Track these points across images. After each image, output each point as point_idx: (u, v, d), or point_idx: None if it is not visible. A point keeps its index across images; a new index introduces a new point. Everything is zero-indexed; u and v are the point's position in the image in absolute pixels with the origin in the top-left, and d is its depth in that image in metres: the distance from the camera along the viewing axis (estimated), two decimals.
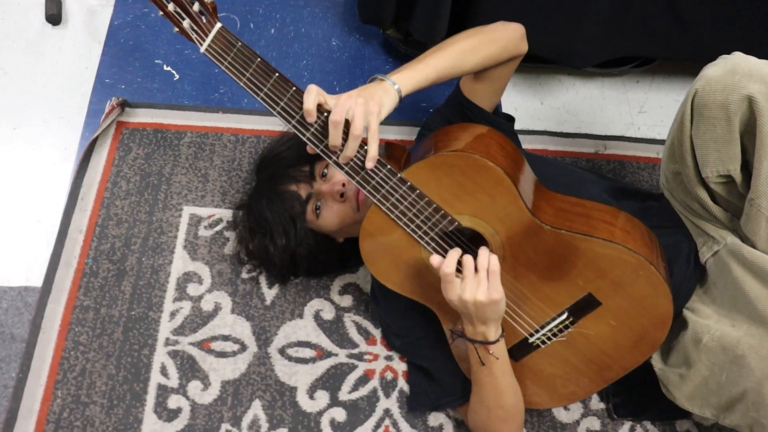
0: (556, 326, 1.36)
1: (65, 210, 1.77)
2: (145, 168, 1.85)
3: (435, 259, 1.26)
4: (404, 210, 1.28)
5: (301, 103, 1.22)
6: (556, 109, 2.11)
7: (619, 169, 1.98)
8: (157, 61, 2.06)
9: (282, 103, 1.25)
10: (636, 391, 1.59)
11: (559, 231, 1.27)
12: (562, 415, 1.64)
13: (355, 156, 1.24)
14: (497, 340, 1.33)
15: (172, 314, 1.67)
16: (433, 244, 1.32)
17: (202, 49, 1.27)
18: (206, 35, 1.26)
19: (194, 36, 1.27)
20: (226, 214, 1.80)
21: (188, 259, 1.74)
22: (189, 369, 1.61)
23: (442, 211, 1.27)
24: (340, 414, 1.60)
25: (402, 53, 2.10)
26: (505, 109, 1.68)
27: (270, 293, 1.71)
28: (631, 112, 2.12)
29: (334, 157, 1.26)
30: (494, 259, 1.25)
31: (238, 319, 1.68)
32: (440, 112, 1.69)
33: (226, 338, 1.65)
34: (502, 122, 1.62)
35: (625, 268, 1.27)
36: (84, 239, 1.74)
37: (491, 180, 1.24)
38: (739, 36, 1.84)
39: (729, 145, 1.25)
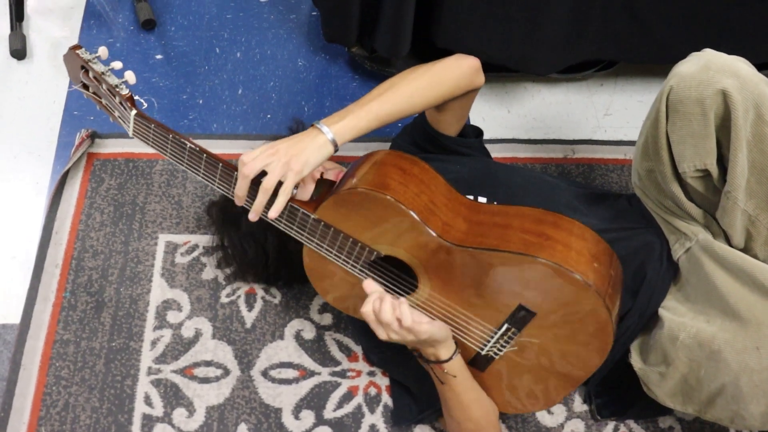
0: (500, 338, 1.35)
1: (40, 245, 1.76)
2: (118, 198, 1.85)
3: (367, 286, 1.32)
4: (328, 246, 1.33)
5: (215, 167, 1.32)
6: (524, 117, 2.13)
7: (589, 172, 2.01)
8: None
9: (202, 169, 1.34)
10: (618, 391, 1.60)
11: (468, 249, 1.25)
12: (546, 419, 1.65)
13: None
14: (450, 358, 1.34)
15: (153, 343, 1.67)
16: (365, 274, 1.35)
17: (131, 134, 1.39)
18: (129, 122, 1.36)
19: (123, 125, 1.39)
20: (202, 239, 1.81)
21: (166, 286, 1.74)
22: (173, 397, 1.61)
23: (360, 243, 1.30)
24: None
25: (368, 70, 2.11)
26: (473, 120, 1.69)
27: (250, 316, 1.71)
28: (597, 115, 2.15)
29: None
30: (404, 309, 1.26)
31: (220, 343, 1.68)
32: (407, 131, 1.69)
33: (208, 364, 1.65)
34: (469, 141, 1.64)
35: (543, 278, 1.23)
36: (60, 273, 1.73)
37: (388, 210, 1.25)
38: (697, 37, 1.86)
39: (705, 140, 1.27)
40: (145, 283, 1.74)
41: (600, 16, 1.85)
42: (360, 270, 1.35)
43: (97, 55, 1.34)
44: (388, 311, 1.26)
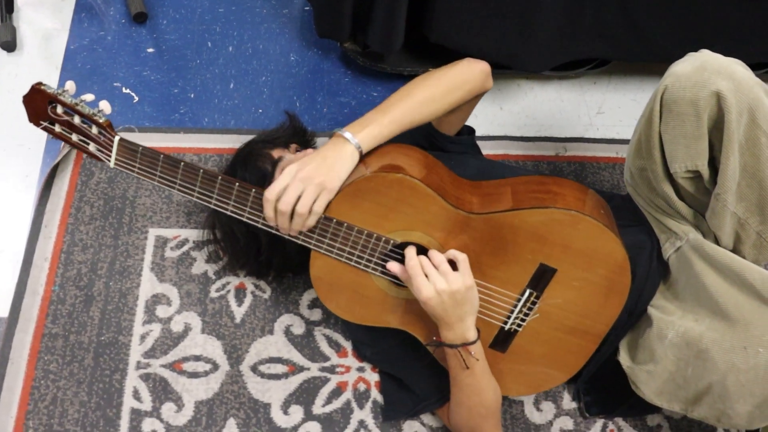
0: (524, 306, 1.38)
1: (29, 238, 1.76)
2: (108, 192, 1.84)
3: (392, 266, 1.30)
4: (341, 246, 1.33)
5: (213, 183, 1.31)
6: (516, 114, 2.13)
7: (580, 170, 2.01)
8: (115, 84, 2.05)
9: (197, 189, 1.33)
10: (606, 389, 1.61)
11: (488, 214, 1.29)
12: (535, 416, 1.65)
13: None
14: (477, 339, 1.35)
15: (142, 337, 1.66)
16: (380, 270, 1.36)
17: (112, 164, 1.35)
18: (110, 151, 1.32)
19: (102, 156, 1.35)
20: (192, 234, 1.80)
21: (156, 281, 1.73)
22: (162, 391, 1.61)
23: (375, 235, 1.30)
24: (315, 428, 1.60)
25: (360, 65, 2.11)
26: None
27: (239, 311, 1.71)
28: (589, 113, 2.15)
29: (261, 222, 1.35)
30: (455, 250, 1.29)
31: (209, 338, 1.68)
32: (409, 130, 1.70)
33: (197, 358, 1.65)
34: (461, 139, 1.64)
35: (563, 228, 1.29)
36: (49, 267, 1.72)
37: (405, 190, 1.26)
38: (690, 36, 1.87)
39: (698, 141, 1.27)
40: (135, 277, 1.73)
41: (593, 14, 1.85)
42: (374, 266, 1.35)
43: (64, 89, 1.31)
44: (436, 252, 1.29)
